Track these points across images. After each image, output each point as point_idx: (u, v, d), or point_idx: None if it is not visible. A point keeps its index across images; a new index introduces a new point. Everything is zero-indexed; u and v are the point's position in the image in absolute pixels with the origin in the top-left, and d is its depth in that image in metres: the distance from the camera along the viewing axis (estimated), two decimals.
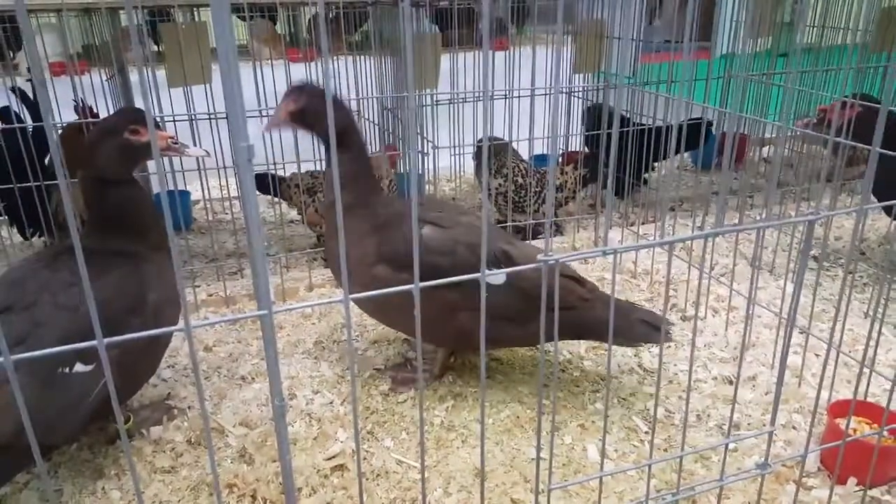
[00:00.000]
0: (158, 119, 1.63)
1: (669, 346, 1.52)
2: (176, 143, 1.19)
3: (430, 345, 1.48)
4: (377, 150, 2.25)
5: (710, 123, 2.65)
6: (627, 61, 2.47)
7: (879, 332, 1.04)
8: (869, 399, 1.19)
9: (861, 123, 1.59)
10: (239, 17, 3.79)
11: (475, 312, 1.25)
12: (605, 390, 1.36)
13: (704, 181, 2.74)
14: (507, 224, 2.12)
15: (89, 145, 1.15)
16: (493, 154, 2.23)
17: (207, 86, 1.73)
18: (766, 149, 3.14)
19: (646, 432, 1.25)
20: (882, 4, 2.32)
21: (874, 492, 1.04)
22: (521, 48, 2.25)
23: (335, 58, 2.08)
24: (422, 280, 0.73)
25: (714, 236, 1.81)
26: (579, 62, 2.87)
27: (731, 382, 1.39)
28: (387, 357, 1.53)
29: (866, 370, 1.18)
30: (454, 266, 1.25)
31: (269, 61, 2.10)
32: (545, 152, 2.73)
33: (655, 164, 2.87)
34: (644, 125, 2.45)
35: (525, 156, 2.28)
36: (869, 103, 1.64)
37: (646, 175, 2.73)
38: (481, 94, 2.24)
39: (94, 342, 0.57)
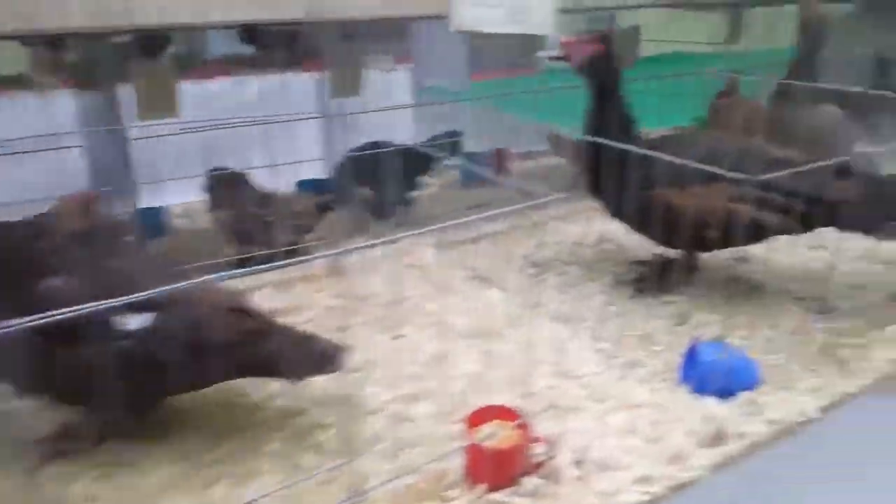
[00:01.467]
0: None
1: (361, 372, 1.47)
2: None
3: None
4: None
5: (458, 139, 2.74)
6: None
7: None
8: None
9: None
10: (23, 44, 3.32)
11: (117, 367, 1.11)
12: (285, 429, 1.29)
13: (466, 196, 2.83)
14: (242, 257, 2.02)
15: None
16: (223, 185, 2.12)
17: None
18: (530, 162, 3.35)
19: (315, 466, 1.19)
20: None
21: (497, 495, 1.04)
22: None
23: None
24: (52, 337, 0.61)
25: None
26: (335, 87, 2.86)
27: (415, 399, 1.37)
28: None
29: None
30: (78, 320, 1.11)
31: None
32: (313, 177, 2.65)
33: (428, 181, 2.93)
34: (400, 146, 2.48)
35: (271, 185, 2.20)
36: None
37: (412, 194, 2.76)
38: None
39: None
